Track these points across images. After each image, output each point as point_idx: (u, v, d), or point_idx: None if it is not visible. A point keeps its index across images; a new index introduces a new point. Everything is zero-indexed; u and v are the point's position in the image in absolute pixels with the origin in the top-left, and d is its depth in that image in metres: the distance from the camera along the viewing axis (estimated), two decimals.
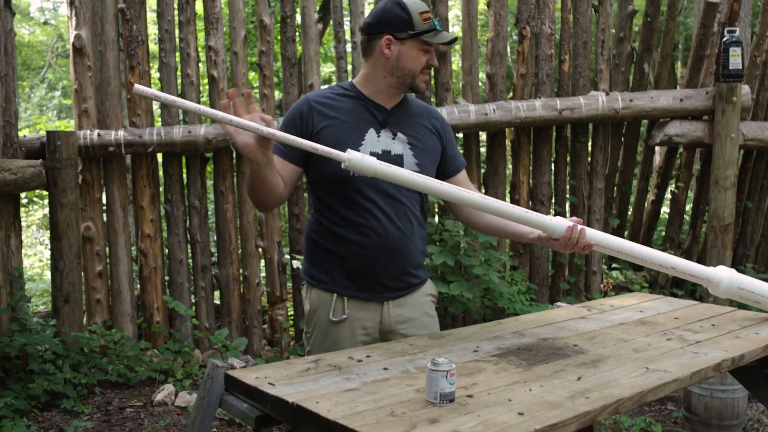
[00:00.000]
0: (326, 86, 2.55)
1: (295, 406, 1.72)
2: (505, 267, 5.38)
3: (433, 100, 5.43)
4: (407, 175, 2.14)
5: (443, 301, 4.78)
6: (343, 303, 2.44)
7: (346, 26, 6.63)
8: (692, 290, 5.62)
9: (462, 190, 2.20)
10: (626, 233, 6.01)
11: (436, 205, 5.37)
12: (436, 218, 5.34)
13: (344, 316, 2.44)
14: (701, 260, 5.52)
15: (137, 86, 2.05)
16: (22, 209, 10.75)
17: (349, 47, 5.46)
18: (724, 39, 5.12)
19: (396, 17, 2.35)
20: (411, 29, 2.34)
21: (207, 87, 5.44)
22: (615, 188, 5.86)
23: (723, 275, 2.49)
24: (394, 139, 2.43)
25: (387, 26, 2.36)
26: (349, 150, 2.08)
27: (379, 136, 2.41)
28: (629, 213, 6.00)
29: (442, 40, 2.38)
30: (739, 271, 2.58)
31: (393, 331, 2.50)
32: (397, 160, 2.40)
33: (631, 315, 2.82)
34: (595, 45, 5.53)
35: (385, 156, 2.38)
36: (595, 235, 2.31)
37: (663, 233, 5.96)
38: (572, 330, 2.55)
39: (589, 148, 5.57)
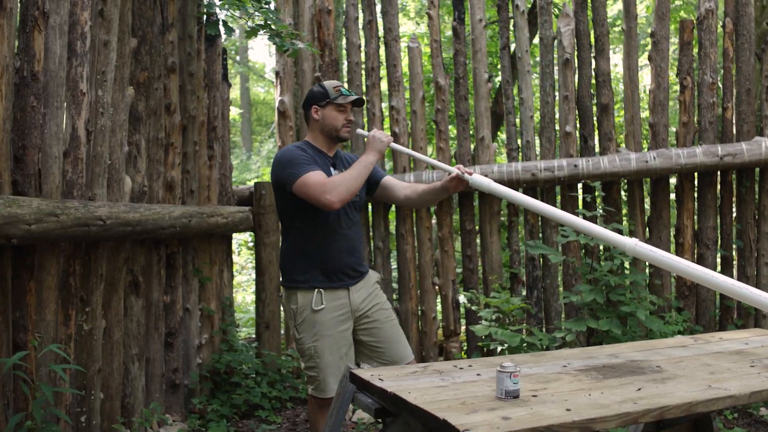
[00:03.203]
0: (297, 142, 3.69)
1: (391, 394, 2.23)
2: (668, 308, 5.53)
3: (597, 150, 5.75)
4: (508, 192, 3.33)
5: (596, 337, 5.05)
6: (321, 296, 3.41)
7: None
8: None
9: (538, 202, 3.35)
10: None
11: (587, 246, 5.64)
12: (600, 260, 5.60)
13: (322, 306, 3.40)
14: None
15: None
16: (246, 251, 12.08)
17: (517, 102, 5.92)
18: None
19: (317, 93, 3.51)
20: (327, 98, 3.47)
21: None
22: None
23: None
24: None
25: (313, 100, 3.51)
26: (474, 173, 3.40)
27: (335, 172, 3.48)
28: None
29: (347, 100, 3.46)
30: None
31: (362, 311, 3.52)
32: None
33: (732, 346, 3.02)
34: (759, 92, 5.61)
35: None
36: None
37: None
38: (665, 355, 2.83)
39: (756, 193, 5.62)
